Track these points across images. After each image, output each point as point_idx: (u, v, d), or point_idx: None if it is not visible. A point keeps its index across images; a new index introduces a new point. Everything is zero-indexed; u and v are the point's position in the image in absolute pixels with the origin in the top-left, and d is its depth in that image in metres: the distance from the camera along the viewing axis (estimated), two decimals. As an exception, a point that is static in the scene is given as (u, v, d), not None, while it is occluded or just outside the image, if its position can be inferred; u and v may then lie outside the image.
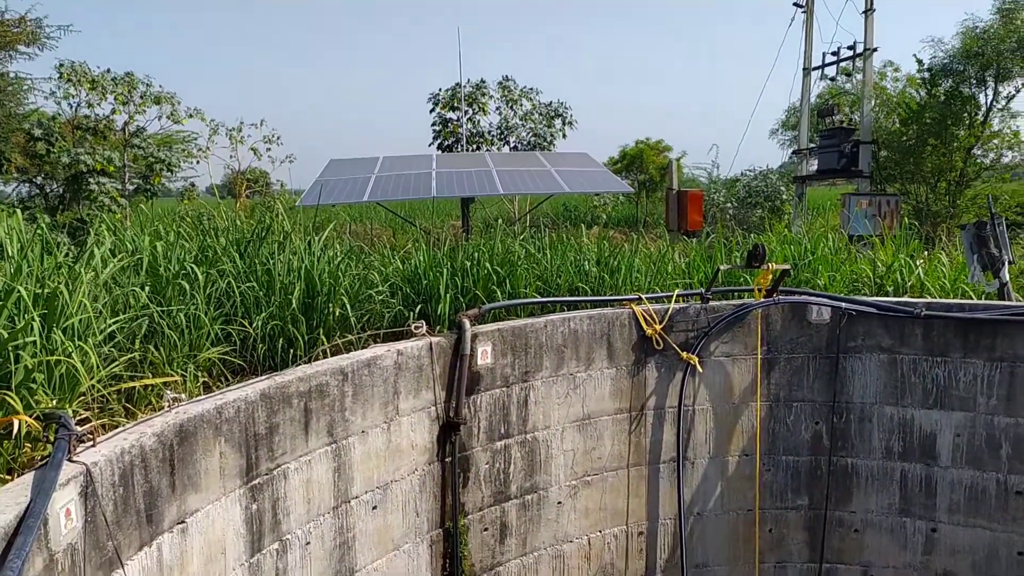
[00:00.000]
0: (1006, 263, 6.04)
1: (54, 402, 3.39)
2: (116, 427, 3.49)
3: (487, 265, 5.80)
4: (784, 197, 17.74)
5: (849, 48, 14.17)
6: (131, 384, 3.92)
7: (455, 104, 15.99)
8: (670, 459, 5.97)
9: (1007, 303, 5.79)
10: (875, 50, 13.55)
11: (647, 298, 5.84)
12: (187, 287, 4.56)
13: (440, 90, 16.35)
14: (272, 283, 4.99)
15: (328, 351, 4.83)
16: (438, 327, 5.28)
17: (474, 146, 16.28)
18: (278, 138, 14.41)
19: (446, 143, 16.46)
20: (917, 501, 5.94)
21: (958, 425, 5.83)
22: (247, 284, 4.93)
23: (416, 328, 4.68)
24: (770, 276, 5.83)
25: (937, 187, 14.18)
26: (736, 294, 6.27)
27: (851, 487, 6.11)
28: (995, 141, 14.17)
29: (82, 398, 3.70)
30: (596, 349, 5.61)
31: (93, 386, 3.65)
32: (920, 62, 14.52)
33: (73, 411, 3.53)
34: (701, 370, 5.85)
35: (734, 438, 6.09)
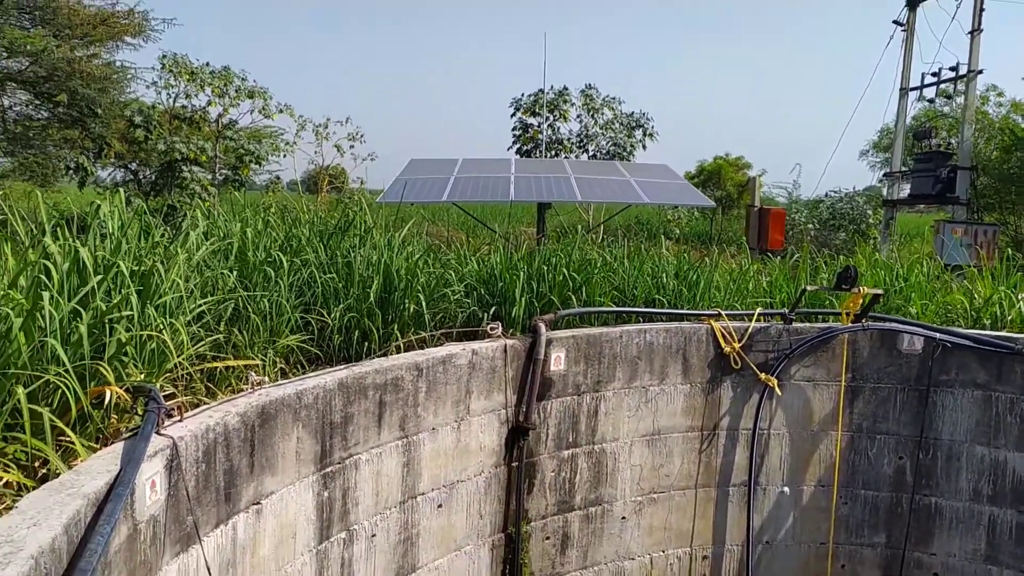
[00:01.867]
0: (1121, 302, 5.62)
1: (143, 376, 3.50)
2: (198, 405, 3.58)
3: (564, 271, 5.74)
4: (870, 221, 17.10)
5: (951, 69, 13.52)
6: (215, 364, 4.02)
7: (536, 110, 15.99)
8: (741, 483, 5.77)
9: (1121, 345, 5.38)
10: (980, 72, 12.86)
11: (727, 315, 5.68)
12: (272, 274, 4.67)
13: (523, 95, 16.44)
14: (351, 276, 5.06)
15: (402, 346, 4.87)
16: (511, 330, 5.25)
17: (552, 152, 16.27)
18: (361, 136, 14.76)
19: (525, 148, 16.48)
20: (1006, 549, 5.57)
21: (1057, 472, 5.46)
22: (328, 275, 5.01)
23: (492, 329, 4.66)
24: (860, 300, 5.57)
25: (1039, 220, 13.41)
26: (821, 317, 6.04)
27: (933, 528, 5.79)
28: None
29: (168, 374, 3.80)
30: (671, 363, 5.48)
31: (179, 363, 3.76)
32: (1029, 86, 13.79)
33: (160, 386, 3.65)
34: (780, 393, 5.64)
35: (811, 467, 5.85)
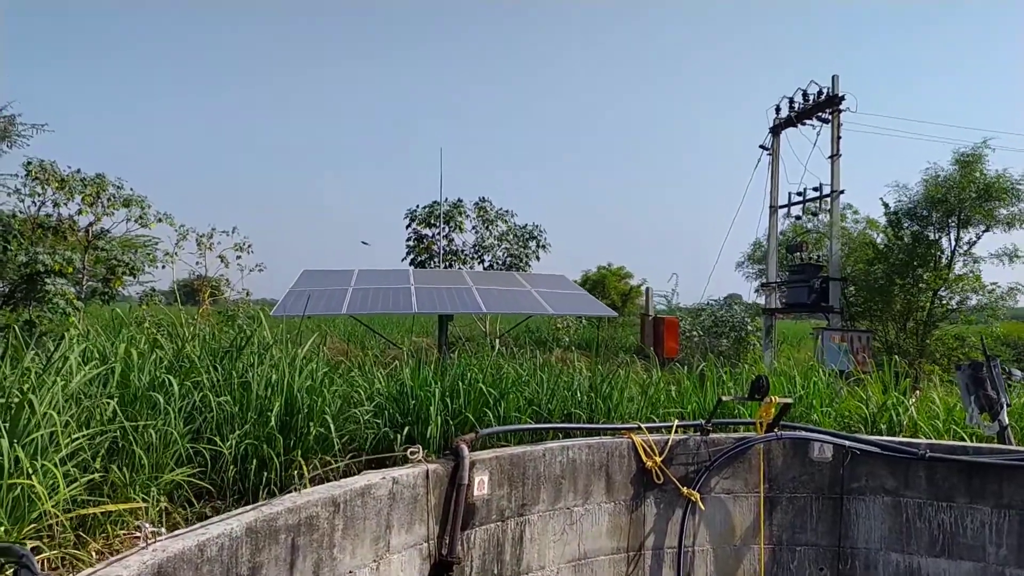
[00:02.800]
0: (1004, 405, 5.95)
1: (1, 530, 2.92)
2: (68, 561, 3.01)
3: (481, 386, 5.49)
4: (749, 328, 17.93)
5: (815, 189, 14.79)
6: (91, 510, 3.46)
7: (432, 221, 16.03)
8: (668, 606, 5.50)
9: (1013, 448, 5.65)
10: (842, 192, 14.17)
11: (646, 427, 5.56)
12: (161, 400, 4.15)
13: (418, 206, 16.48)
14: (248, 398, 4.61)
15: (307, 476, 4.43)
16: (426, 452, 4.89)
17: (446, 264, 16.24)
18: (249, 246, 14.04)
19: (419, 259, 16.37)
20: (930, 660, 5.53)
21: (967, 575, 5.53)
22: (222, 398, 4.53)
23: (412, 454, 4.30)
24: (772, 409, 5.62)
25: (906, 326, 14.47)
26: (734, 427, 6.03)
27: (857, 642, 5.69)
28: (960, 284, 14.61)
29: (33, 525, 3.22)
30: (595, 481, 5.25)
31: (48, 511, 3.19)
32: (887, 205, 15.19)
33: (19, 541, 3.06)
34: (703, 507, 5.51)
35: (735, 584, 5.67)
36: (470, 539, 4.54)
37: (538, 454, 4.93)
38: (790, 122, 15.35)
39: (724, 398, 5.70)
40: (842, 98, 14.15)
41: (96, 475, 3.58)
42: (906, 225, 14.63)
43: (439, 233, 16.10)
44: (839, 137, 14.08)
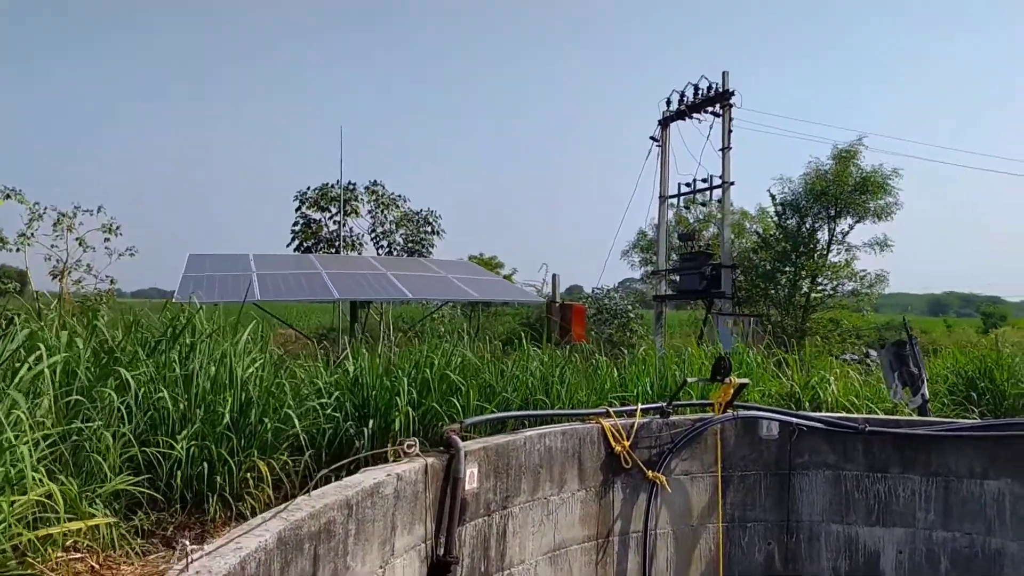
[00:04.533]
0: (924, 380, 6.40)
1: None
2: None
3: (447, 373, 5.20)
4: (631, 315, 18.50)
5: (703, 180, 15.42)
6: (51, 530, 2.91)
7: (323, 204, 15.15)
8: (634, 591, 5.48)
9: (938, 419, 6.08)
10: (732, 184, 14.86)
11: (614, 412, 5.49)
12: (115, 397, 3.58)
13: (308, 188, 15.50)
14: (190, 393, 4.11)
15: (267, 478, 4.03)
16: (389, 446, 4.57)
17: (334, 249, 15.47)
18: (117, 228, 12.59)
19: (305, 244, 15.44)
20: (866, 622, 5.86)
21: (899, 541, 5.90)
22: (163, 394, 4.00)
23: (408, 447, 3.95)
24: (731, 390, 5.71)
25: (789, 311, 15.46)
26: (692, 408, 6.09)
27: (801, 611, 5.93)
28: (835, 271, 15.78)
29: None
30: (568, 469, 5.11)
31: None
32: (773, 197, 16.15)
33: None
34: (669, 490, 5.52)
35: (693, 563, 5.74)
36: (460, 536, 4.26)
37: (519, 443, 4.72)
38: (680, 115, 15.89)
39: (689, 380, 5.73)
40: (732, 93, 14.83)
41: (44, 488, 3.01)
42: (789, 215, 15.65)
43: (332, 217, 15.28)
44: (730, 131, 14.76)
